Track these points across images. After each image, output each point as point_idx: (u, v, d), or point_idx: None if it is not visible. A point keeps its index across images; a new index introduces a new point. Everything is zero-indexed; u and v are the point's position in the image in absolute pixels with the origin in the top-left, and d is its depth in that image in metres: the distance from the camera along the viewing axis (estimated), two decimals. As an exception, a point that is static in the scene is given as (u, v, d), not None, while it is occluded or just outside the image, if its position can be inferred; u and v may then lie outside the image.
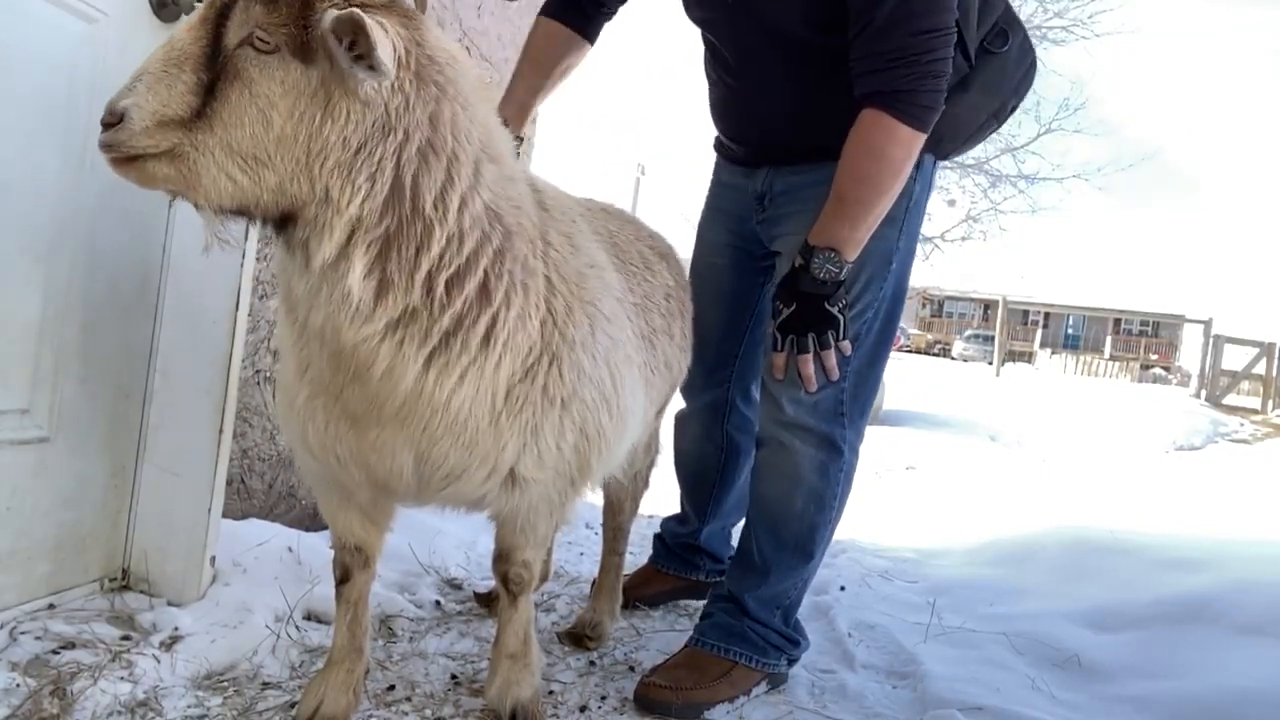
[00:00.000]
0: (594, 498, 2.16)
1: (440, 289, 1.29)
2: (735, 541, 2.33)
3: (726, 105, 2.12)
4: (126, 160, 1.16)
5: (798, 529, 1.98)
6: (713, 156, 2.31)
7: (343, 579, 1.60)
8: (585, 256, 1.61)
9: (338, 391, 1.34)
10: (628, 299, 1.75)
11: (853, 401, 1.94)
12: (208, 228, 1.25)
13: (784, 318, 1.80)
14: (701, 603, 2.47)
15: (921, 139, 1.72)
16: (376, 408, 1.34)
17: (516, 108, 2.13)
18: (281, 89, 1.17)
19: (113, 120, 1.14)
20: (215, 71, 1.16)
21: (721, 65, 2.07)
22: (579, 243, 1.61)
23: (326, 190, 1.21)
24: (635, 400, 1.69)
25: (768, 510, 2.02)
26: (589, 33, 2.20)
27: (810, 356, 1.78)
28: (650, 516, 2.98)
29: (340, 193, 1.21)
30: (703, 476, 2.45)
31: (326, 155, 1.20)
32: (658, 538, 2.60)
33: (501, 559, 1.64)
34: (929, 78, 1.68)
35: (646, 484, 2.37)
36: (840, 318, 1.77)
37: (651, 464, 2.36)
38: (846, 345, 1.80)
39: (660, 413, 2.19)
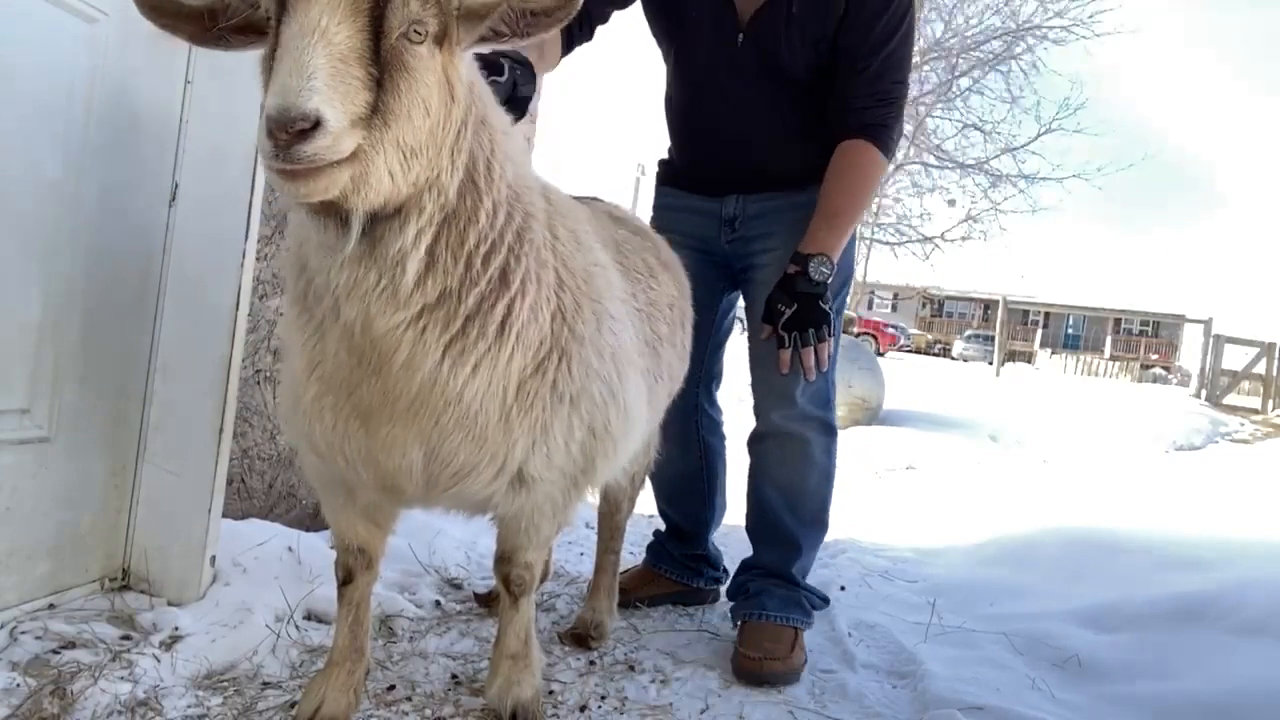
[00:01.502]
0: (593, 497, 2.17)
1: (477, 264, 1.29)
2: (722, 546, 2.64)
3: (699, 135, 2.35)
4: (314, 172, 1.05)
5: (813, 504, 2.29)
6: None
7: (345, 580, 1.60)
8: (591, 255, 1.61)
9: (352, 388, 1.33)
10: (631, 303, 1.75)
11: (832, 389, 2.27)
12: (349, 236, 1.17)
13: (786, 317, 2.03)
14: (698, 607, 2.52)
15: (888, 166, 2.16)
16: (390, 402, 1.33)
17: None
18: (434, 77, 1.17)
19: (306, 126, 0.99)
20: (380, 66, 1.10)
21: (703, 99, 2.27)
22: (584, 240, 1.61)
23: (439, 174, 1.21)
24: (640, 401, 1.69)
25: (787, 494, 2.27)
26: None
27: (811, 350, 2.04)
28: (650, 516, 2.97)
29: (446, 173, 1.22)
30: (691, 489, 2.55)
31: (448, 137, 1.21)
32: (658, 544, 2.62)
33: (504, 560, 1.64)
34: (899, 117, 2.12)
35: (643, 484, 2.38)
36: (830, 313, 2.05)
37: (649, 465, 2.36)
38: (831, 342, 2.07)
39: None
